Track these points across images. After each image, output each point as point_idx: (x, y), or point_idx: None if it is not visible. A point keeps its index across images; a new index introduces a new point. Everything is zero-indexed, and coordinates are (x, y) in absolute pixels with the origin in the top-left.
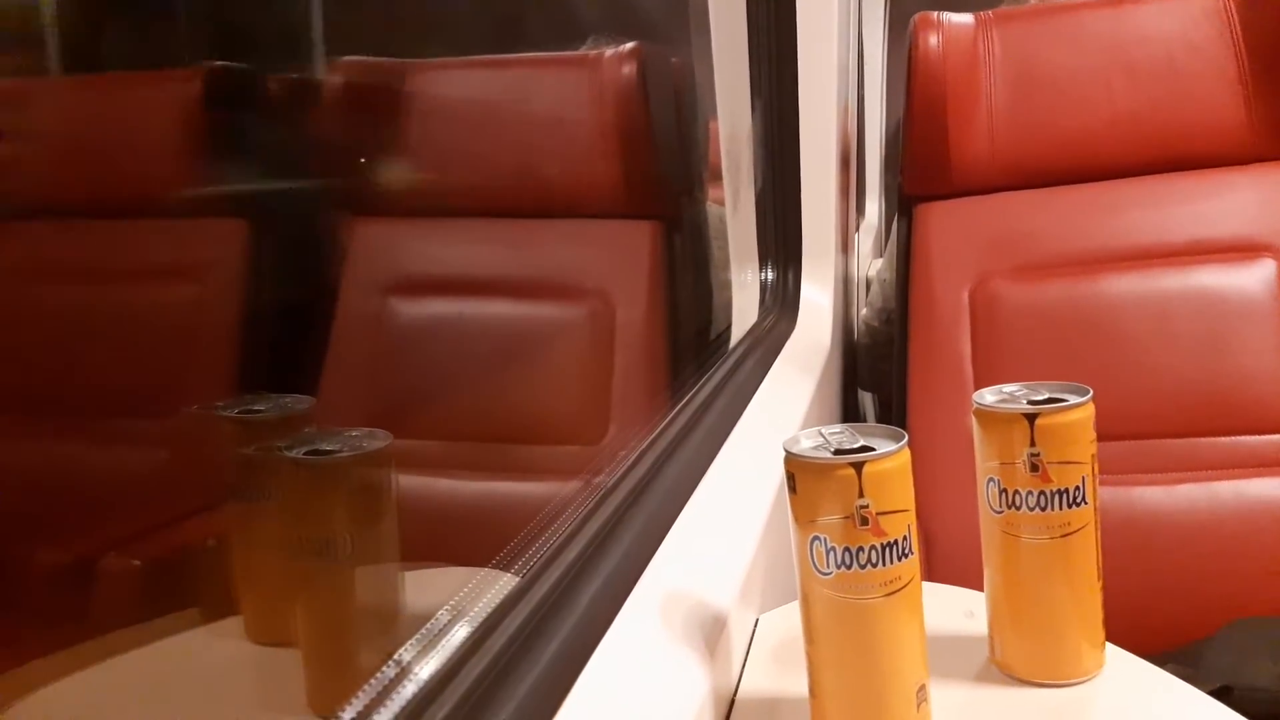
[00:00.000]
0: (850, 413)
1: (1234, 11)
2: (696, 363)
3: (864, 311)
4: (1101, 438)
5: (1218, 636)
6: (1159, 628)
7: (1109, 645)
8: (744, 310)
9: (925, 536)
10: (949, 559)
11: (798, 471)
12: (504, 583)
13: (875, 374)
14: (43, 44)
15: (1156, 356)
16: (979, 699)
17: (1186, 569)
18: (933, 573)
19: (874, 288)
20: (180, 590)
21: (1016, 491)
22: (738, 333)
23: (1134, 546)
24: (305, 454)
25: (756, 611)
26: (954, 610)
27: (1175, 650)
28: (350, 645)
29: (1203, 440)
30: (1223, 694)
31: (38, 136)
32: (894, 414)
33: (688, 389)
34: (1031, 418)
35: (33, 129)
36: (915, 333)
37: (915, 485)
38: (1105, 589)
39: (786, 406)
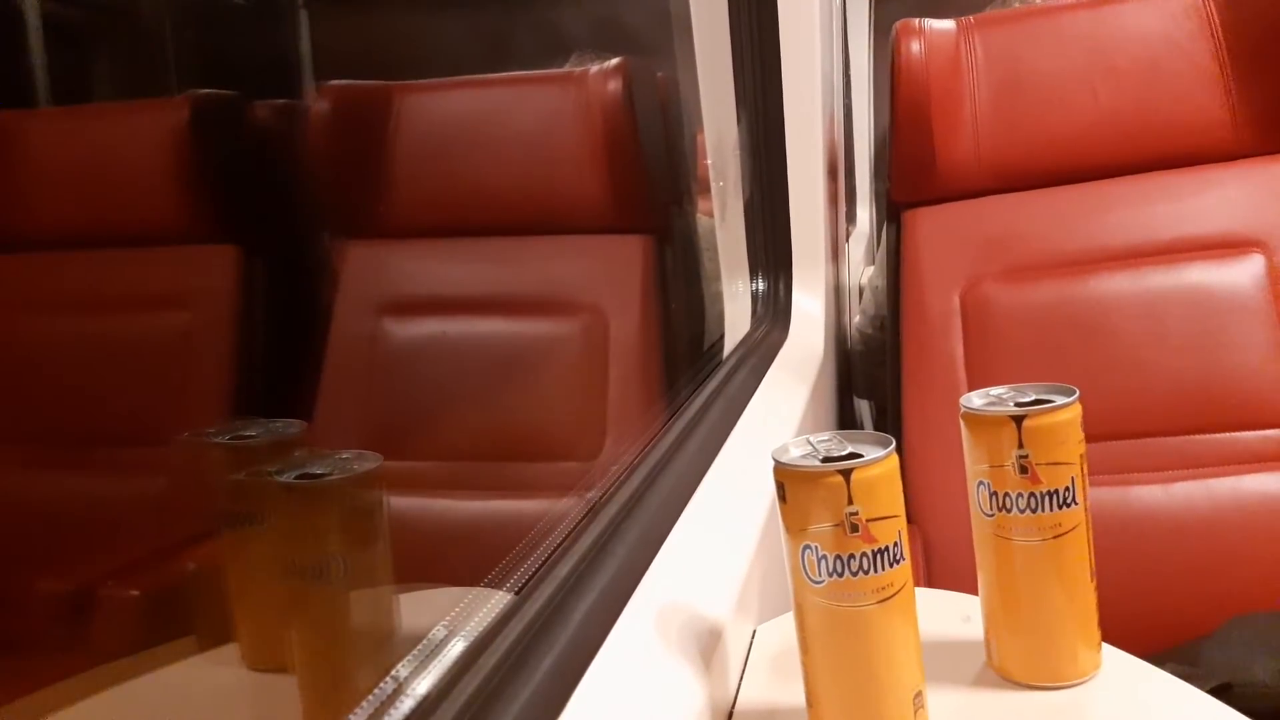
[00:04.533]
0: (846, 420)
1: (1213, 8)
2: (690, 374)
3: (857, 319)
4: (1097, 437)
5: (1218, 633)
6: (1159, 627)
7: (1107, 646)
8: (736, 321)
9: (924, 541)
10: (948, 564)
11: (787, 480)
12: (498, 599)
13: (870, 380)
14: (31, 74)
15: (1149, 354)
16: (976, 703)
17: (1185, 567)
18: (933, 578)
19: (866, 295)
20: (176, 618)
21: (1006, 494)
22: (730, 343)
23: (1132, 545)
24: (296, 478)
25: (754, 622)
26: (950, 615)
27: (1175, 649)
28: (346, 667)
29: (1198, 437)
30: (1223, 691)
31: (27, 167)
32: (889, 420)
33: (682, 401)
34: (1019, 420)
35: (22, 160)
36: (908, 338)
37: (912, 490)
38: (1104, 589)
39: (780, 415)
